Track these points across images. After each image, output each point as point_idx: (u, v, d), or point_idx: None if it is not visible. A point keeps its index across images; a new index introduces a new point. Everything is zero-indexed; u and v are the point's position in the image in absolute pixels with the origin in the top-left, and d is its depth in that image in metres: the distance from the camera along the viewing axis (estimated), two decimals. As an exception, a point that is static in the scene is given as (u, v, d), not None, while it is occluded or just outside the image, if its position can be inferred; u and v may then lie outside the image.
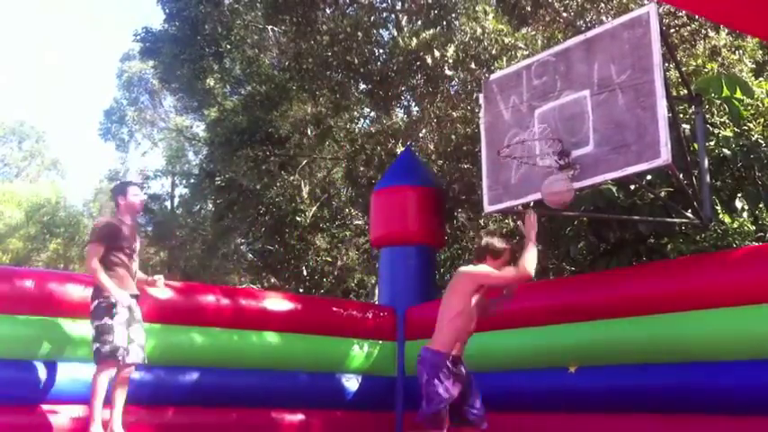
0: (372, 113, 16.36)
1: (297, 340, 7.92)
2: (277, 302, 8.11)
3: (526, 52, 10.57)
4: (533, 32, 11.27)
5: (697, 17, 10.78)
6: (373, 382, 8.45)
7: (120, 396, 6.25)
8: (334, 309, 8.72)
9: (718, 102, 8.77)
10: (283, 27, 15.01)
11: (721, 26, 10.72)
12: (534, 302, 7.51)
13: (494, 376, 7.65)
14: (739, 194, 8.20)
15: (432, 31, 12.14)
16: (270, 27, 15.52)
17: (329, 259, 16.67)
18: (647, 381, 6.41)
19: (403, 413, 8.52)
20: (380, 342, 8.65)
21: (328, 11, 14.71)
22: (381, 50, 13.89)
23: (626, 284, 6.86)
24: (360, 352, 8.42)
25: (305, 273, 16.60)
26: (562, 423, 6.99)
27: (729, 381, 5.91)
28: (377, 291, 14.65)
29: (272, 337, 7.79)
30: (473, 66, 11.53)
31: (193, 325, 7.39)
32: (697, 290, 6.31)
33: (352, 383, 8.27)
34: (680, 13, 11.15)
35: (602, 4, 11.43)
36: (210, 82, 16.14)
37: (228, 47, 15.33)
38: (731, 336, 6.00)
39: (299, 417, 7.76)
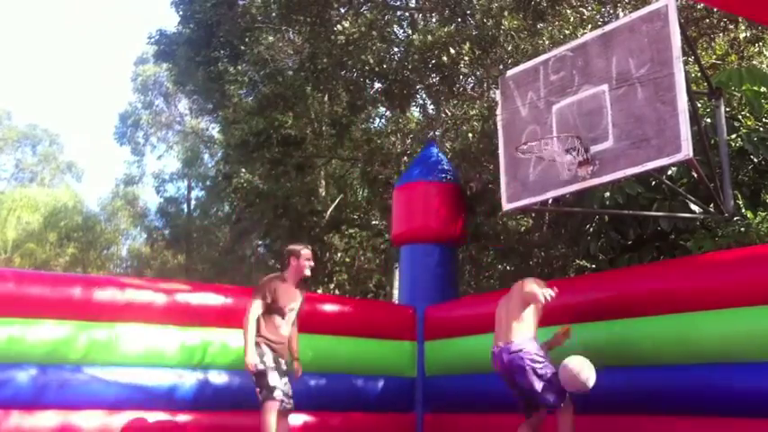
0: (388, 113, 16.30)
1: (314, 340, 7.83)
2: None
3: (542, 48, 10.48)
4: (550, 28, 11.17)
5: (715, 10, 10.69)
6: (392, 382, 8.34)
7: None
8: (352, 308, 8.63)
9: (739, 95, 8.70)
10: (298, 28, 14.99)
11: (740, 19, 10.63)
12: (551, 301, 7.38)
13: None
14: (762, 189, 8.12)
15: (447, 29, 12.08)
16: (285, 28, 15.49)
17: (347, 260, 16.62)
18: (669, 382, 6.26)
19: (423, 415, 8.44)
20: (400, 342, 8.54)
21: (342, 10, 14.68)
22: (396, 49, 13.84)
23: (644, 282, 6.69)
24: (379, 352, 8.32)
25: (323, 274, 16.56)
26: (581, 424, 6.86)
27: (750, 382, 5.74)
28: (395, 293, 14.60)
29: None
30: (489, 63, 11.47)
31: (211, 326, 7.34)
32: (716, 288, 6.09)
33: (370, 384, 8.16)
34: (698, 6, 11.06)
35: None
36: (226, 84, 16.11)
37: (243, 48, 15.31)
38: (753, 335, 5.83)
39: (316, 418, 7.67)
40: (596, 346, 6.65)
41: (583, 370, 5.90)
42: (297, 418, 7.46)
